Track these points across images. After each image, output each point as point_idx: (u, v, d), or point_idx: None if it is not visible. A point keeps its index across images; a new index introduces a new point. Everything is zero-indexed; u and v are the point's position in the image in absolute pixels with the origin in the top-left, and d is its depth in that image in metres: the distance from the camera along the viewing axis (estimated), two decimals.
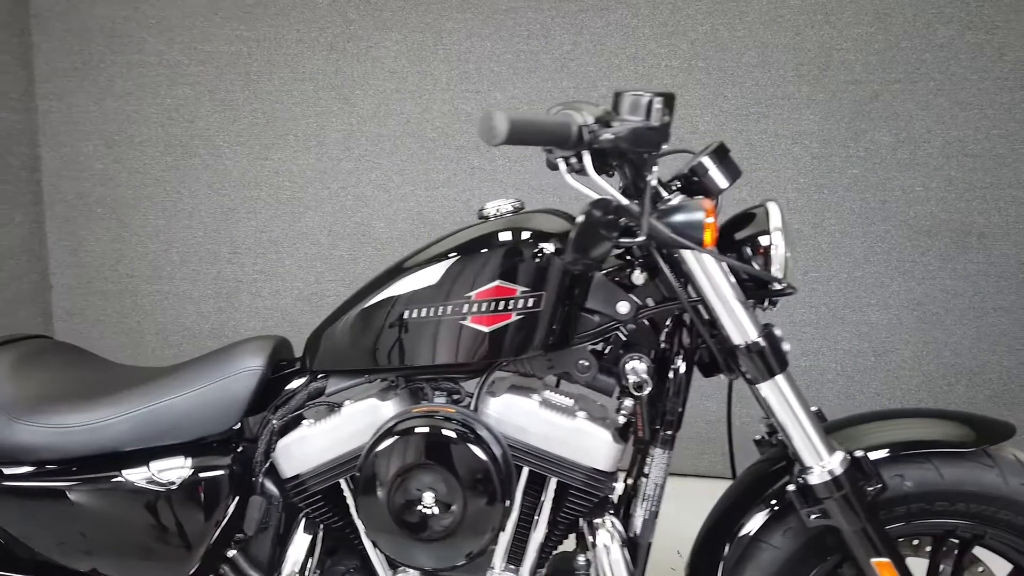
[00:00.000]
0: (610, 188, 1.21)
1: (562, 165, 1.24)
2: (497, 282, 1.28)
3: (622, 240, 1.24)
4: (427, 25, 3.11)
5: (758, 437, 1.45)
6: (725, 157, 1.30)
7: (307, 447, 1.33)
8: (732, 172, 1.30)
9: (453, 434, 1.22)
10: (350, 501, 1.34)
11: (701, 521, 1.42)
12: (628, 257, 1.36)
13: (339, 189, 3.23)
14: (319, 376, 1.41)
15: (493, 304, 1.28)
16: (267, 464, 1.37)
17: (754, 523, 1.32)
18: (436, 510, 1.21)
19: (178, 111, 3.28)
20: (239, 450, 1.37)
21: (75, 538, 1.34)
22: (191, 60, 3.25)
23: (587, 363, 1.33)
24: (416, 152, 3.18)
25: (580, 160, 1.21)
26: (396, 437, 1.23)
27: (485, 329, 1.28)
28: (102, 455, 1.33)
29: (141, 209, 3.35)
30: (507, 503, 1.24)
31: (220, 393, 1.35)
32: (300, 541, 1.34)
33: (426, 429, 1.22)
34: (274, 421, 1.37)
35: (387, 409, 1.31)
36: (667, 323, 1.36)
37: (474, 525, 1.21)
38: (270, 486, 1.38)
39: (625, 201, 1.21)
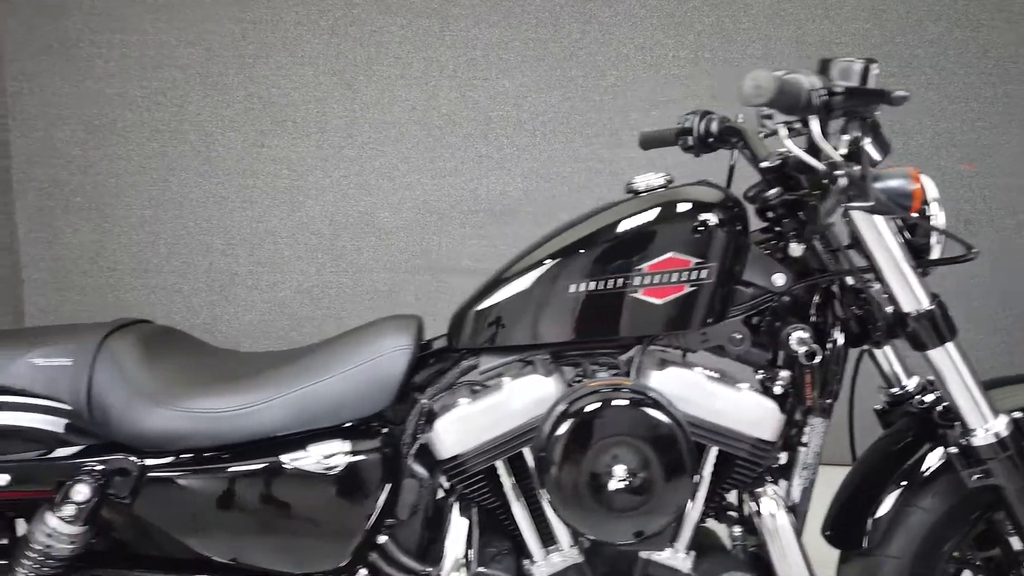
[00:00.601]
0: (835, 154, 1.22)
1: (783, 130, 1.26)
2: (670, 254, 1.28)
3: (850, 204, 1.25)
4: (433, 10, 3.06)
5: (878, 407, 1.50)
6: (878, 132, 1.34)
7: (469, 426, 1.29)
8: (884, 147, 1.34)
9: (645, 407, 1.21)
10: (505, 480, 1.31)
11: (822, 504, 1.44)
12: (778, 228, 1.39)
13: (341, 177, 3.14)
14: (465, 354, 1.37)
15: (666, 276, 1.28)
16: (416, 446, 1.33)
17: (901, 489, 1.37)
18: (630, 482, 1.20)
19: (166, 95, 3.11)
20: (386, 432, 1.32)
21: (227, 528, 1.26)
22: (179, 41, 3.09)
23: (740, 335, 1.35)
24: (422, 140, 3.13)
25: (805, 124, 1.23)
26: (587, 412, 1.21)
27: (658, 301, 1.28)
28: (254, 441, 1.26)
29: (125, 199, 3.16)
30: (696, 474, 1.24)
31: (372, 373, 1.29)
32: (458, 526, 1.30)
33: (619, 402, 1.21)
34: (424, 401, 1.33)
35: (551, 385, 1.29)
36: (816, 295, 1.39)
37: (667, 495, 1.21)
38: (419, 468, 1.33)
39: (850, 168, 1.21)
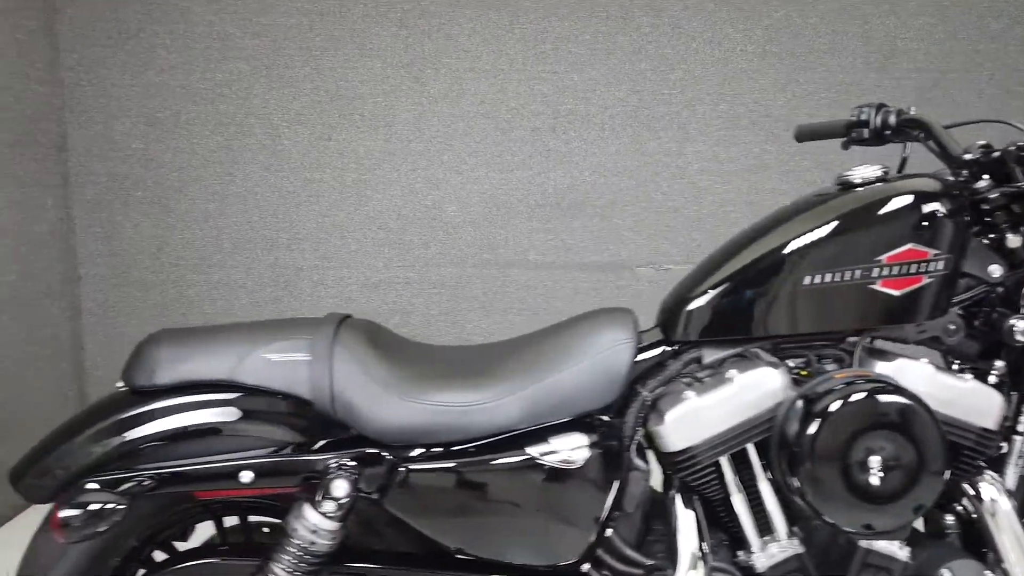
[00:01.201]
0: None
1: None
2: (910, 244, 1.29)
3: None
4: (503, 3, 3.05)
5: None
6: None
7: (701, 418, 1.29)
8: None
9: (900, 398, 1.22)
10: (728, 473, 1.32)
11: None
12: (989, 220, 1.40)
13: (409, 171, 3.12)
14: (685, 347, 1.37)
15: (906, 267, 1.29)
16: (636, 439, 1.33)
17: None
18: (886, 473, 1.21)
19: (230, 87, 3.06)
20: (612, 426, 1.33)
21: (471, 521, 1.26)
22: (244, 32, 3.03)
23: (955, 326, 1.37)
24: (490, 133, 3.11)
25: None
26: (844, 403, 1.22)
27: (896, 293, 1.30)
28: (497, 434, 1.26)
29: (188, 193, 3.11)
30: (948, 468, 1.26)
31: (601, 367, 1.29)
32: (686, 519, 1.31)
33: (877, 395, 1.22)
34: (645, 394, 1.33)
35: (779, 378, 1.30)
36: None
37: (923, 483, 1.22)
38: (639, 461, 1.34)
39: None
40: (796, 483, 1.23)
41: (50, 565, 1.24)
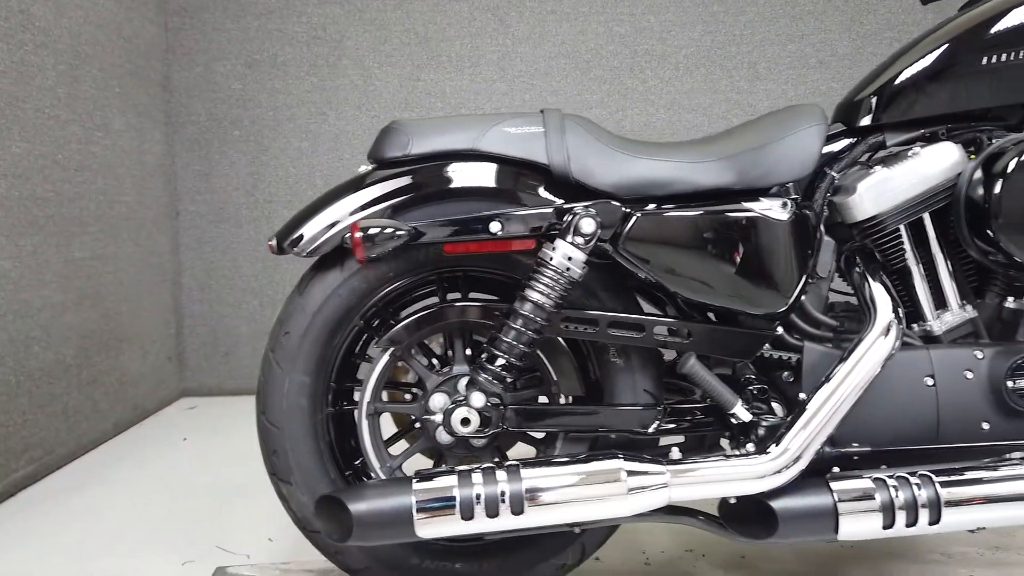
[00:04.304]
0: None
1: None
2: None
3: None
4: None
5: None
6: None
7: (889, 187, 1.43)
8: None
9: None
10: (906, 241, 1.47)
11: None
12: None
13: (493, 110, 3.26)
14: (869, 134, 1.50)
15: None
16: (824, 214, 1.46)
17: None
18: None
19: (325, 30, 3.22)
20: (809, 203, 1.46)
21: (702, 266, 1.37)
22: None
23: None
24: (570, 73, 3.27)
25: None
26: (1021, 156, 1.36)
27: None
28: (718, 190, 1.39)
29: (283, 132, 3.25)
30: None
31: (799, 143, 1.42)
32: (877, 288, 1.42)
33: None
34: (833, 174, 1.47)
35: (959, 152, 1.43)
36: None
37: None
38: (827, 236, 1.47)
39: None
40: (985, 238, 1.36)
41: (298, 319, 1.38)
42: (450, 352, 1.47)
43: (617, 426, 1.41)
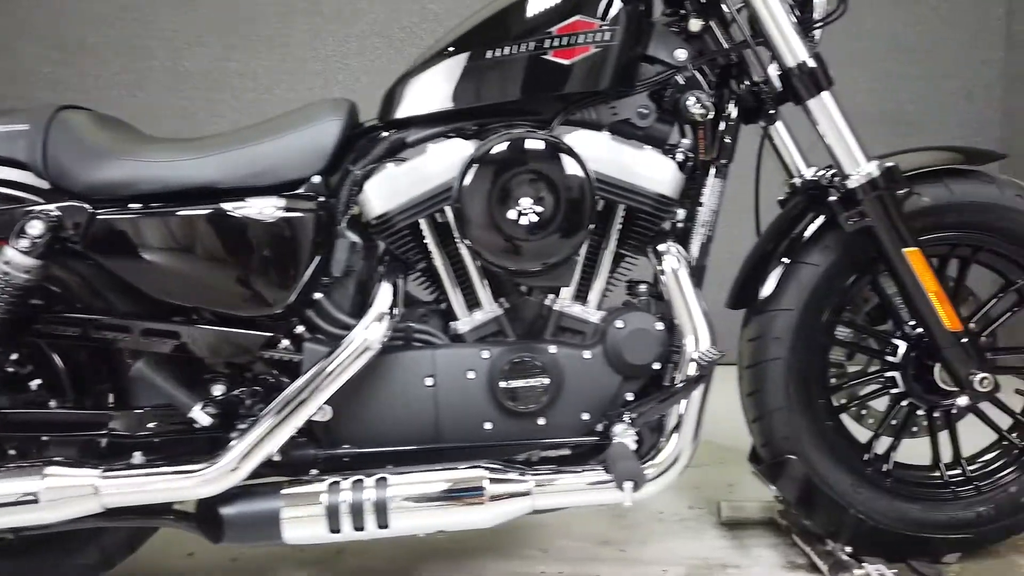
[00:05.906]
0: None
1: None
2: (577, 16, 1.37)
3: None
4: None
5: (781, 198, 1.59)
6: None
7: (395, 185, 1.39)
8: None
9: (549, 144, 1.33)
10: (429, 237, 1.41)
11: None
12: (682, 10, 1.46)
13: (306, 90, 3.17)
14: (394, 131, 1.45)
15: (573, 38, 1.36)
16: (348, 214, 1.41)
17: (790, 249, 1.52)
18: (533, 215, 1.29)
19: (133, 11, 3.19)
20: (321, 200, 1.40)
21: (172, 269, 1.35)
22: None
23: (646, 110, 1.44)
24: (384, 52, 3.21)
25: None
26: (499, 147, 1.33)
27: (566, 62, 1.38)
28: (200, 189, 1.36)
29: None
30: (590, 223, 1.35)
31: (306, 139, 1.40)
32: (385, 287, 1.38)
33: (526, 141, 1.34)
34: (355, 171, 1.42)
35: (469, 148, 1.38)
36: (715, 72, 1.47)
37: (565, 225, 1.32)
38: (352, 235, 1.42)
39: None
40: (464, 239, 1.34)
41: None
42: None
43: None
